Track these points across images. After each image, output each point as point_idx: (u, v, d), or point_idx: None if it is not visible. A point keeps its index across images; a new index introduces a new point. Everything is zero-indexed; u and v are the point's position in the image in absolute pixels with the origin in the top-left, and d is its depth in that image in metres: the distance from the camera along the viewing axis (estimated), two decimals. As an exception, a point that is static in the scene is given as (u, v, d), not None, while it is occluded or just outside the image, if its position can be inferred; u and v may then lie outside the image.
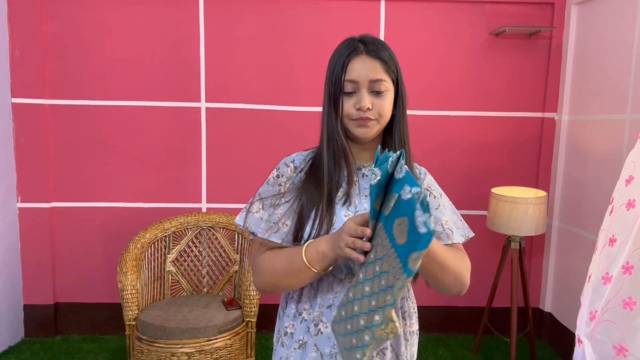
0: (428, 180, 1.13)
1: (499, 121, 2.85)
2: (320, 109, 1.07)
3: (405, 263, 0.74)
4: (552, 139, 2.83)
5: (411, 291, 1.15)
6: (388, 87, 1.01)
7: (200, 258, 2.61)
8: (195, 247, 2.60)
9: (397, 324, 0.80)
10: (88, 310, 2.87)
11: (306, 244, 0.96)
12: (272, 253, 1.02)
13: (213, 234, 2.61)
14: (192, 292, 2.58)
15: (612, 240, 1.37)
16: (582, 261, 2.55)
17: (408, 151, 1.06)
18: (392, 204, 0.81)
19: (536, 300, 2.95)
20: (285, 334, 1.08)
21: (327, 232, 0.99)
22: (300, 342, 1.05)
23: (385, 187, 0.84)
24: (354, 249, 0.86)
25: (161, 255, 2.53)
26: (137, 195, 2.81)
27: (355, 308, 0.85)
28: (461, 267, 1.00)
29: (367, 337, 0.82)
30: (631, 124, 2.23)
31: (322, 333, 1.03)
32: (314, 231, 1.00)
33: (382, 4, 2.73)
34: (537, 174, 2.89)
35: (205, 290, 2.61)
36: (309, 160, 1.09)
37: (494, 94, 2.83)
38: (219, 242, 2.61)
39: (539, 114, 2.85)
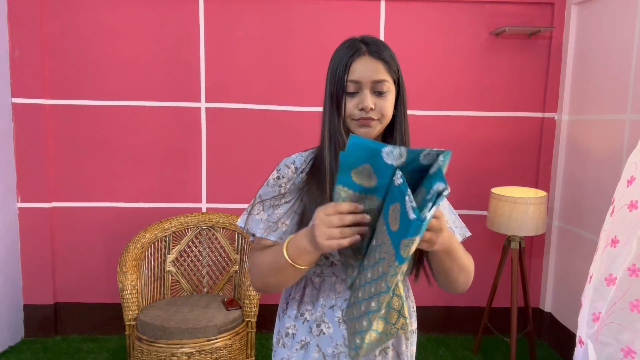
0: None
1: (498, 121, 2.85)
2: (320, 109, 1.07)
3: (397, 250, 0.72)
4: (552, 139, 2.84)
5: (411, 290, 1.15)
6: (390, 87, 1.01)
7: (200, 258, 2.60)
8: (195, 247, 2.60)
9: (408, 321, 0.80)
10: (88, 310, 2.86)
11: (287, 240, 0.92)
12: (261, 252, 1.00)
13: (213, 234, 2.61)
14: (192, 292, 2.58)
15: (614, 241, 1.37)
16: (582, 261, 2.56)
17: None
18: (419, 197, 0.76)
19: (536, 300, 2.95)
20: (287, 334, 1.08)
21: None
22: (302, 342, 1.05)
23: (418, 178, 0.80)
24: (335, 239, 0.82)
25: (161, 255, 2.53)
26: (137, 195, 2.81)
27: (359, 294, 0.86)
28: (471, 266, 1.03)
29: (364, 323, 0.82)
30: (631, 124, 2.23)
31: (324, 333, 1.03)
32: None
33: (382, 4, 2.73)
34: (537, 174, 2.90)
35: (205, 290, 2.60)
36: (309, 161, 1.08)
37: (494, 94, 2.83)
38: (219, 242, 2.61)
39: (539, 114, 2.85)
